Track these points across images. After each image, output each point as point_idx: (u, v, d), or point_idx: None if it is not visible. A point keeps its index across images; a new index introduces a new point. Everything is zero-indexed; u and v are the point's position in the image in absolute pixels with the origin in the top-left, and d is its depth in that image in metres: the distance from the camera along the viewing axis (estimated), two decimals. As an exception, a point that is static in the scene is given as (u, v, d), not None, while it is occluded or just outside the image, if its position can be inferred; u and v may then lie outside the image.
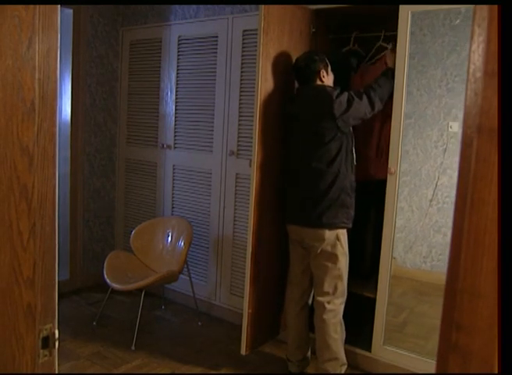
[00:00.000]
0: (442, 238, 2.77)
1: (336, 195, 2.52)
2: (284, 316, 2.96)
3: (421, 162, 2.79)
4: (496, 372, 0.62)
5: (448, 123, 2.72)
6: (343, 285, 2.61)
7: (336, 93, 2.52)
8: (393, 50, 2.70)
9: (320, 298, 2.60)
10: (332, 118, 2.48)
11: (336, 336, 2.59)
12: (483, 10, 0.61)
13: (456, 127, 2.69)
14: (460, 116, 2.48)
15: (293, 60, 2.73)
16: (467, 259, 0.61)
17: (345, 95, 2.51)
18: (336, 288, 2.59)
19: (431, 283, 2.83)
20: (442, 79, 2.67)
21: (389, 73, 2.65)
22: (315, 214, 2.53)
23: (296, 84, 2.73)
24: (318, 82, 2.61)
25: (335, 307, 2.59)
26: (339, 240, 2.57)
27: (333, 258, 2.56)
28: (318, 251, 2.56)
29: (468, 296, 0.61)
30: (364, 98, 2.53)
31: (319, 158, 2.54)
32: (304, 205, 2.59)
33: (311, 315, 2.74)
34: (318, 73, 2.59)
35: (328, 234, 2.54)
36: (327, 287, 2.58)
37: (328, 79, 2.65)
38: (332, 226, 2.55)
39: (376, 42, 2.88)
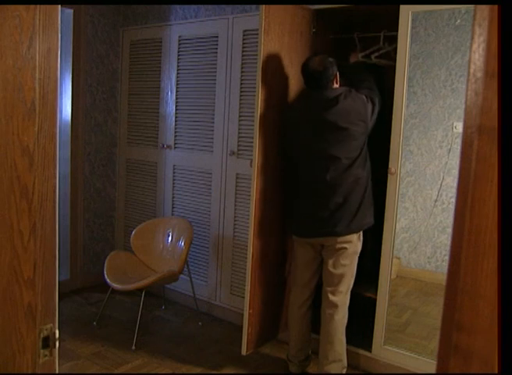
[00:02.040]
0: (447, 239, 2.77)
1: (362, 196, 2.52)
2: (284, 317, 2.96)
3: (426, 163, 2.79)
4: (496, 372, 0.62)
5: (453, 124, 2.73)
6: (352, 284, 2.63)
7: (363, 96, 2.52)
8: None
9: (334, 298, 2.57)
10: (365, 121, 2.48)
11: (343, 338, 2.58)
12: (484, 10, 0.61)
13: (460, 128, 2.70)
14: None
15: (294, 60, 2.73)
16: (468, 259, 0.61)
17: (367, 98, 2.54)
18: (348, 287, 2.59)
19: (435, 284, 2.83)
20: (446, 79, 2.67)
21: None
22: (344, 222, 2.49)
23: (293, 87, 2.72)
24: (334, 86, 2.56)
25: (345, 307, 2.60)
26: (359, 238, 2.59)
27: (353, 256, 2.57)
28: (342, 252, 2.54)
29: (469, 296, 0.61)
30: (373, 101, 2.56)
31: (344, 163, 2.48)
32: (330, 216, 2.51)
33: (312, 315, 2.74)
34: (335, 76, 2.55)
35: (356, 236, 2.55)
36: (342, 286, 2.56)
37: (338, 84, 2.60)
38: (361, 228, 2.56)
39: (377, 42, 2.88)
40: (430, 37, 2.68)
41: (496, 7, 0.60)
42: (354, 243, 2.55)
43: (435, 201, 2.82)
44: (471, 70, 0.62)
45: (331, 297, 2.57)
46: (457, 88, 2.67)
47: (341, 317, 2.56)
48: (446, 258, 2.76)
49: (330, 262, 2.57)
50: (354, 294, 2.79)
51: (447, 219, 2.80)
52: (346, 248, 2.54)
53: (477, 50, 0.61)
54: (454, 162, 2.76)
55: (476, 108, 0.61)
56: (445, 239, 2.81)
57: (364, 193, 2.53)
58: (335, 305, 2.56)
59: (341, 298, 2.57)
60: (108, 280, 3.09)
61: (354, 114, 2.48)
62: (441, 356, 0.66)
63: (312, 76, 2.53)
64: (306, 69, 2.55)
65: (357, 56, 2.95)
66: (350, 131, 2.47)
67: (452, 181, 2.77)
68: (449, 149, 2.76)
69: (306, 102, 2.60)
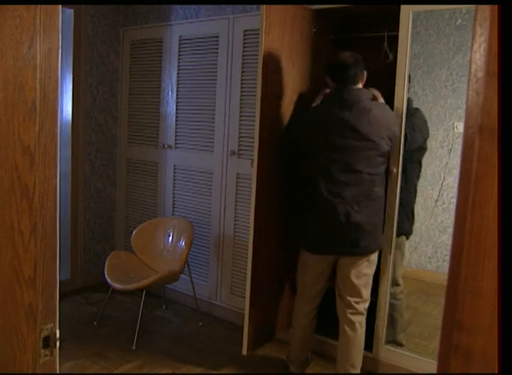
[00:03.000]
0: (448, 239, 2.77)
1: (381, 215, 2.51)
2: (285, 317, 2.96)
3: (427, 163, 2.79)
4: (494, 371, 0.62)
5: (453, 123, 2.73)
6: None
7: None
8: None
9: (360, 307, 2.52)
10: (392, 139, 2.43)
11: (362, 347, 2.58)
12: (485, 10, 0.61)
13: (461, 127, 2.70)
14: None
15: (294, 60, 2.73)
16: (469, 259, 0.61)
17: None
18: (369, 293, 2.57)
19: (436, 284, 2.83)
20: (447, 79, 2.67)
21: None
22: (364, 242, 2.42)
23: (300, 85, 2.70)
24: (360, 85, 2.46)
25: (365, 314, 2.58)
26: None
27: (374, 264, 2.56)
28: (364, 262, 2.49)
29: (470, 296, 0.61)
30: None
31: (365, 178, 2.38)
32: (349, 235, 2.41)
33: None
34: (363, 74, 2.47)
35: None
36: (365, 294, 2.53)
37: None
38: (379, 247, 2.56)
39: (378, 43, 2.87)
40: (431, 37, 2.68)
41: (496, 7, 0.60)
42: (375, 254, 2.53)
43: (436, 201, 2.82)
44: (472, 70, 0.62)
45: (356, 306, 2.51)
46: (458, 88, 2.67)
47: (363, 326, 2.55)
48: (447, 258, 2.76)
49: (352, 272, 2.49)
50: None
51: (448, 219, 2.80)
52: (368, 260, 2.49)
53: (478, 50, 0.61)
54: (455, 162, 2.76)
55: (477, 108, 0.61)
56: (446, 239, 2.81)
57: (382, 212, 2.50)
58: (361, 313, 2.53)
59: (365, 306, 2.55)
60: (108, 280, 3.09)
61: (385, 128, 2.38)
62: (442, 356, 0.66)
63: (341, 68, 2.41)
64: (335, 62, 2.45)
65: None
66: (379, 145, 2.36)
67: (453, 181, 2.77)
68: (450, 149, 2.76)
69: (332, 105, 2.44)
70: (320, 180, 2.42)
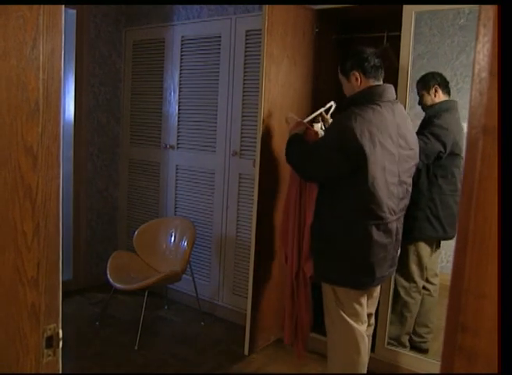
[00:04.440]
0: (452, 240, 2.77)
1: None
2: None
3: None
4: (497, 372, 0.62)
5: None
6: None
7: None
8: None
9: (373, 319, 2.50)
10: (416, 147, 2.28)
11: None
12: (488, 10, 0.61)
13: (465, 128, 2.69)
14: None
15: (297, 60, 2.73)
16: (473, 260, 0.61)
17: None
18: None
19: (439, 284, 2.83)
20: (451, 79, 2.67)
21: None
22: (396, 258, 2.34)
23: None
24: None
25: None
26: None
27: None
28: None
29: (474, 297, 0.61)
30: None
31: (407, 190, 2.23)
32: (396, 253, 2.29)
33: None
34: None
35: None
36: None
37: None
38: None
39: (380, 43, 2.87)
40: (435, 37, 2.68)
41: (499, 7, 0.60)
42: None
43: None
44: (476, 70, 0.62)
45: (371, 320, 2.46)
46: (462, 88, 2.66)
47: None
48: (451, 259, 2.75)
49: (378, 289, 2.45)
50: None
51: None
52: None
53: (481, 50, 0.61)
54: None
55: (481, 108, 0.61)
56: (449, 240, 2.80)
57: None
58: (373, 325, 2.51)
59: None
60: (110, 280, 3.09)
61: (415, 136, 2.26)
62: (445, 357, 0.66)
63: (378, 62, 2.17)
64: (372, 54, 2.17)
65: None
66: (416, 155, 2.23)
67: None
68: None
69: (383, 107, 2.10)
70: (381, 197, 2.07)
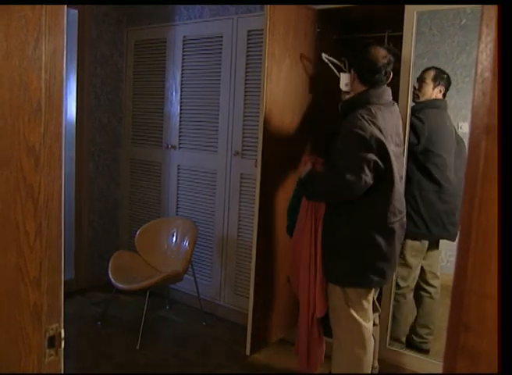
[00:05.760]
0: (443, 240, 2.77)
1: None
2: (287, 317, 2.96)
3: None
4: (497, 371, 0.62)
5: (458, 124, 2.72)
6: None
7: None
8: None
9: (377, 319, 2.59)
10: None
11: None
12: (491, 10, 0.61)
13: (466, 128, 2.69)
14: (469, 116, 2.48)
15: (298, 60, 2.73)
16: (476, 260, 0.61)
17: None
18: None
19: (440, 285, 2.83)
20: (451, 79, 2.67)
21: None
22: None
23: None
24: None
25: None
26: None
27: None
28: None
29: (476, 297, 0.61)
30: None
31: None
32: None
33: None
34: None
35: None
36: None
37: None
38: None
39: (382, 43, 2.86)
40: (435, 37, 2.67)
41: (500, 7, 0.60)
42: None
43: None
44: (479, 70, 0.62)
45: (376, 319, 2.55)
46: (462, 88, 2.66)
47: None
48: (451, 259, 2.76)
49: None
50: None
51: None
52: None
53: (484, 50, 0.61)
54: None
55: (483, 108, 0.61)
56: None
57: None
58: (378, 327, 2.58)
59: None
60: (112, 280, 3.10)
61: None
62: (448, 357, 0.66)
63: (383, 69, 2.17)
64: (372, 60, 2.16)
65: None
66: (403, 152, 2.37)
67: (458, 182, 2.76)
68: (455, 149, 2.76)
69: (385, 109, 2.17)
70: (400, 192, 2.21)
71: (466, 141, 2.62)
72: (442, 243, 2.79)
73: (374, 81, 2.16)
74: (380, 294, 2.73)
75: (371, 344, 2.29)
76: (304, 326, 2.45)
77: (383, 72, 2.15)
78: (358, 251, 2.17)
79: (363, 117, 2.05)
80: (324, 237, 2.25)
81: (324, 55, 2.64)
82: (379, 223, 2.14)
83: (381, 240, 2.13)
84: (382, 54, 2.16)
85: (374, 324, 2.43)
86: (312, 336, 2.46)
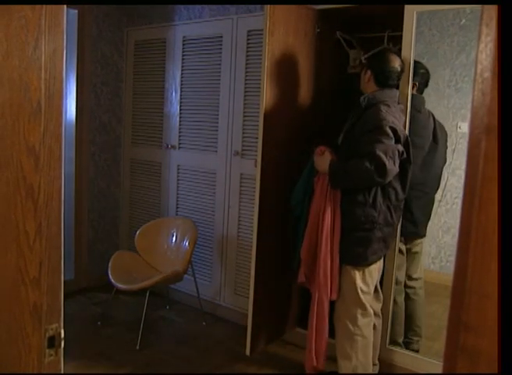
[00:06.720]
0: (451, 239, 2.77)
1: None
2: (288, 317, 2.96)
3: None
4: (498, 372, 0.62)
5: (457, 124, 2.72)
6: None
7: None
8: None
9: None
10: None
11: None
12: (491, 10, 0.61)
13: (465, 128, 2.69)
14: (469, 116, 2.48)
15: (298, 60, 2.73)
16: (476, 259, 0.61)
17: None
18: None
19: (439, 284, 2.83)
20: (451, 79, 2.67)
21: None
22: None
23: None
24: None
25: None
26: None
27: None
28: None
29: (476, 296, 0.61)
30: None
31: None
32: None
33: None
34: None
35: None
36: None
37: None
38: None
39: (382, 43, 2.86)
40: (434, 36, 2.68)
41: (501, 7, 0.60)
42: None
43: (440, 201, 2.82)
44: (478, 70, 0.62)
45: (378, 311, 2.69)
46: (462, 88, 2.66)
47: None
48: (451, 258, 2.75)
49: None
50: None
51: (451, 219, 2.79)
52: None
53: (484, 50, 0.61)
54: (459, 162, 2.75)
55: (483, 108, 0.61)
56: (449, 239, 2.80)
57: None
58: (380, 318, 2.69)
59: None
60: (112, 280, 3.10)
61: None
62: (448, 356, 0.66)
63: (397, 75, 2.44)
64: (393, 67, 2.43)
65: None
66: None
67: (456, 181, 2.77)
68: (454, 149, 2.76)
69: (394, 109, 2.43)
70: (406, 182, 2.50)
71: (464, 140, 2.64)
72: (442, 243, 2.80)
73: (387, 84, 2.42)
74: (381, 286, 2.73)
75: (370, 330, 2.50)
76: (322, 313, 2.51)
77: (396, 77, 2.42)
78: (372, 231, 2.38)
79: (387, 111, 2.31)
80: (342, 220, 2.44)
81: (338, 33, 2.92)
82: (395, 205, 2.42)
83: (394, 217, 2.43)
84: (398, 61, 2.42)
85: (374, 327, 2.55)
86: (325, 325, 2.53)
